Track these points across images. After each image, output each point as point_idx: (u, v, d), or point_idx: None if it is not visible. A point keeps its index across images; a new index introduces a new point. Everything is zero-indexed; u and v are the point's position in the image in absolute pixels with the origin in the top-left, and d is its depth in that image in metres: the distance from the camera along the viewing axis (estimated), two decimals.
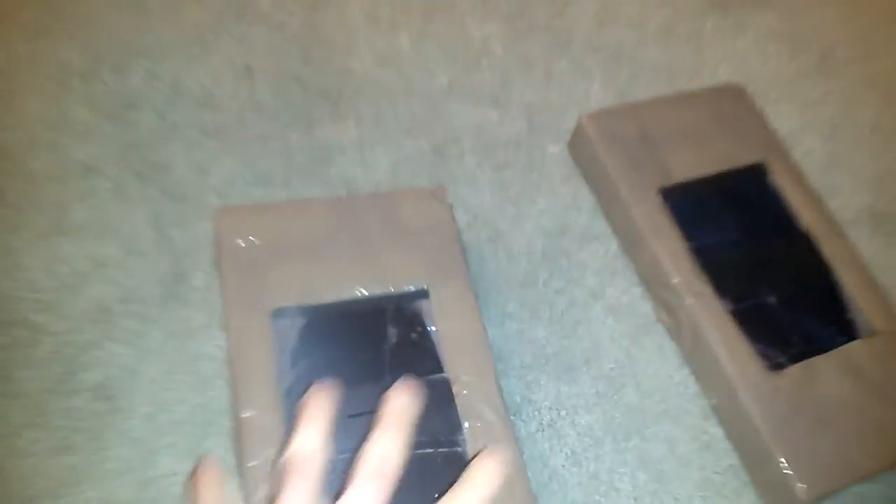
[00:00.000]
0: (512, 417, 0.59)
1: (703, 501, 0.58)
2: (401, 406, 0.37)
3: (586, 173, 0.71)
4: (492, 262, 0.66)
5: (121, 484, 0.53)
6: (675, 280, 0.62)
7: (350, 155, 0.69)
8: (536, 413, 0.60)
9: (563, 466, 0.58)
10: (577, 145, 0.72)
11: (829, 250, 0.65)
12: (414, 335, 0.56)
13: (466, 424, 0.52)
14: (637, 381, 0.62)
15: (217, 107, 0.70)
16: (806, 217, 0.67)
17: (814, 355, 0.60)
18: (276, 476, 0.34)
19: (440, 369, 0.55)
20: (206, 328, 0.59)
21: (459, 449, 0.51)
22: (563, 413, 0.60)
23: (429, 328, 0.56)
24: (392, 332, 0.56)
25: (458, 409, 0.53)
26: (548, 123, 0.74)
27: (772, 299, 0.62)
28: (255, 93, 0.71)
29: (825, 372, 0.59)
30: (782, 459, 0.55)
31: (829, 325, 0.62)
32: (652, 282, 0.65)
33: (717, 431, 0.61)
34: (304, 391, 0.49)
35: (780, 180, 0.69)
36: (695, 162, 0.69)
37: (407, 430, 0.36)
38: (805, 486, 0.54)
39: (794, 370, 0.59)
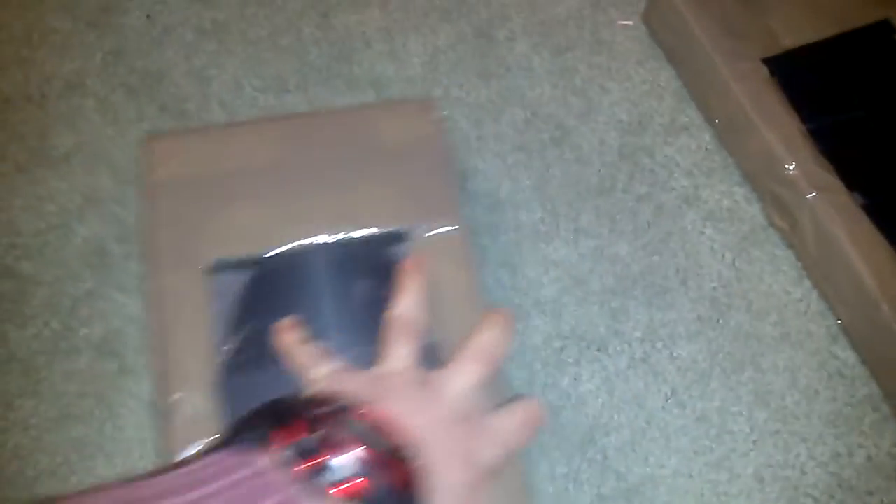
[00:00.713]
0: (597, 352, 0.48)
1: (836, 440, 0.47)
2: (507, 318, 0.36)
3: (669, 49, 0.58)
4: (557, 166, 0.54)
5: (138, 456, 0.45)
6: (792, 169, 0.49)
7: (376, 47, 0.57)
8: (626, 346, 0.49)
9: (664, 408, 0.48)
10: (656, 15, 0.58)
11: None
12: (387, 291, 0.41)
13: None
14: (747, 300, 0.51)
15: (214, 1, 0.58)
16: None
17: None
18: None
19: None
20: None
21: None
22: (658, 345, 0.49)
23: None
24: (360, 288, 0.42)
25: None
26: None
27: None
28: None
29: None
30: None
31: None
32: (761, 176, 0.53)
33: (848, 356, 0.50)
34: (248, 365, 0.39)
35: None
36: (806, 23, 0.55)
37: (513, 331, 0.36)
38: None
39: None
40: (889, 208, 0.49)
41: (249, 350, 0.40)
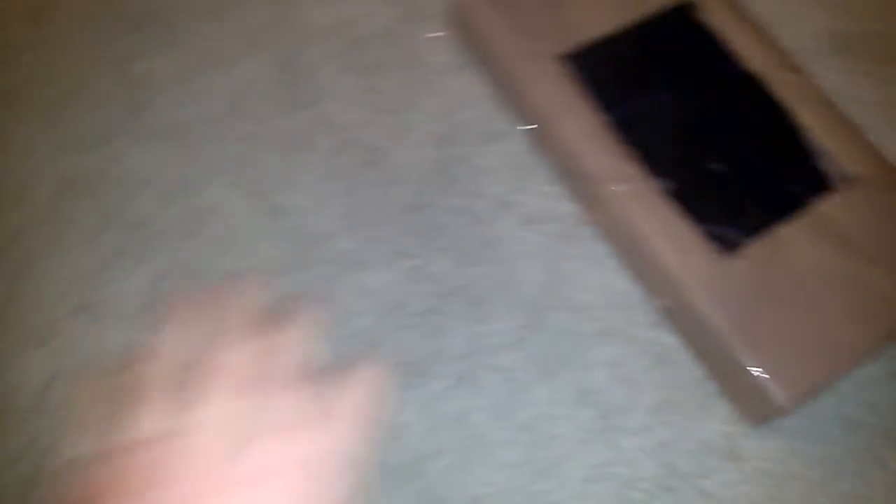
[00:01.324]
0: (417, 378, 0.48)
1: (666, 428, 0.48)
2: None
3: (476, 58, 0.58)
4: (372, 190, 0.54)
5: None
6: (592, 165, 0.49)
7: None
8: (446, 367, 0.49)
9: (487, 422, 0.48)
10: (460, 24, 0.58)
11: (784, 90, 0.52)
12: None
13: None
14: (568, 299, 0.51)
15: None
16: (750, 56, 0.53)
17: (777, 223, 0.48)
18: None
19: None
20: None
21: None
22: (479, 358, 0.49)
23: None
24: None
25: None
26: (423, 5, 0.60)
27: (719, 166, 0.50)
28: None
29: (794, 240, 0.47)
30: (753, 365, 0.44)
31: (793, 180, 0.49)
32: (570, 174, 0.53)
33: (670, 341, 0.50)
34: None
35: (714, 17, 0.55)
36: (606, 14, 0.55)
37: None
38: (784, 392, 0.44)
39: (755, 247, 0.47)
40: (695, 189, 0.49)
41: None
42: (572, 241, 0.52)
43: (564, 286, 0.51)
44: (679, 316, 0.50)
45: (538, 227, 0.53)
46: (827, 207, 0.48)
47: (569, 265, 0.52)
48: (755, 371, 0.45)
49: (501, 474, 0.46)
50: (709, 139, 0.51)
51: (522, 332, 0.50)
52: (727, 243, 0.47)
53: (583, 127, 0.51)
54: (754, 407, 0.47)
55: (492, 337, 0.50)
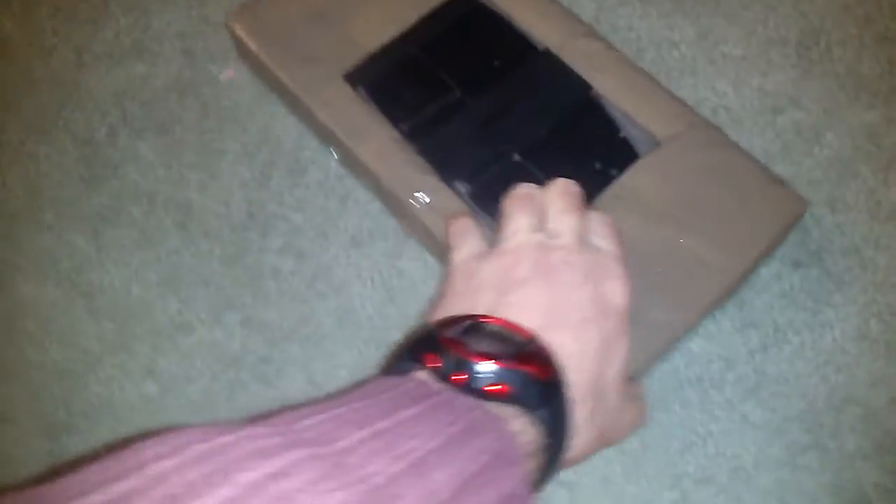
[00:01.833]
0: None
1: None
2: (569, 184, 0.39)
3: (268, 86, 0.56)
4: (186, 250, 0.52)
5: None
6: (390, 181, 0.48)
7: None
8: None
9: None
10: (245, 58, 0.56)
11: (582, 62, 0.50)
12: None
13: None
14: (405, 317, 0.50)
15: None
16: (542, 32, 0.51)
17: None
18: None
19: None
20: None
21: None
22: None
23: None
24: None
25: None
26: (210, 46, 0.58)
27: (517, 156, 0.48)
28: None
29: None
30: None
31: (600, 156, 0.48)
32: (376, 191, 0.51)
33: None
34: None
35: None
36: (384, 21, 0.53)
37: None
38: None
39: None
40: (493, 185, 0.47)
41: None
42: (402, 257, 0.51)
43: (403, 303, 0.50)
44: None
45: (366, 250, 0.51)
46: (630, 178, 0.46)
47: (404, 282, 0.50)
48: None
49: None
50: (508, 130, 0.49)
51: (364, 360, 0.49)
52: None
53: (376, 144, 0.49)
54: None
55: (331, 372, 0.48)
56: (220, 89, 0.57)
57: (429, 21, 0.53)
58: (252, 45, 0.52)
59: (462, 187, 0.48)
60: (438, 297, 0.37)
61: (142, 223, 0.53)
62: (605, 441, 0.35)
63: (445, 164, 0.48)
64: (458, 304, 0.34)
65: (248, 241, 0.52)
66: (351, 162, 0.51)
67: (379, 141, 0.49)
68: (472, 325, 0.32)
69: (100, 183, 0.54)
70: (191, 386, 0.49)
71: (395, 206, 0.50)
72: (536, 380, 0.30)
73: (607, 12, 0.57)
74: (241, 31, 0.53)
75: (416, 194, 0.47)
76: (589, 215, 0.38)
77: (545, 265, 0.34)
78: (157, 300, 0.51)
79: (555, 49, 0.51)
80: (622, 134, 0.49)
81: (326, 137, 0.52)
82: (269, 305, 0.50)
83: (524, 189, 0.38)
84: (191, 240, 0.52)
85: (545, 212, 0.37)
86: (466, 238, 0.38)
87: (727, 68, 0.54)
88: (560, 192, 0.37)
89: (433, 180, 0.48)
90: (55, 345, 0.50)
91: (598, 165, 0.48)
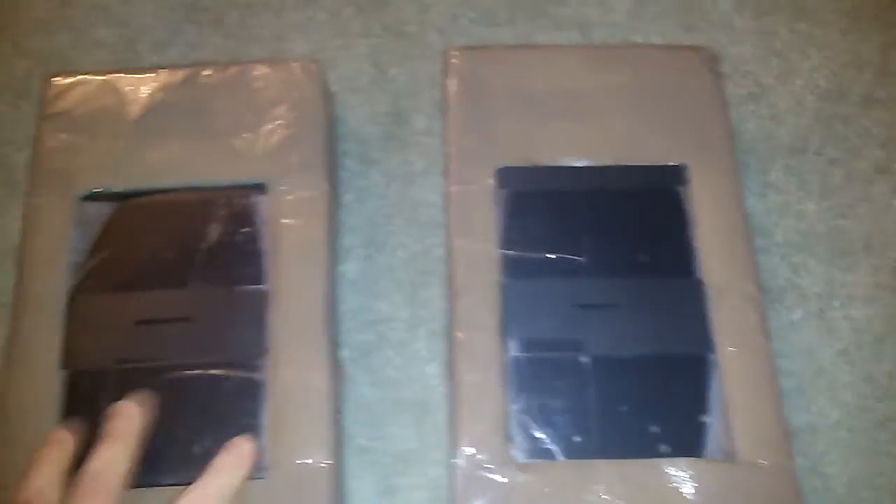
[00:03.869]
0: (774, 304, 0.50)
1: None
2: (126, 419, 0.39)
3: (872, 20, 0.58)
4: (751, 121, 0.56)
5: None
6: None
7: None
8: (802, 300, 0.51)
9: (834, 364, 0.49)
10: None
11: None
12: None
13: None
14: None
15: None
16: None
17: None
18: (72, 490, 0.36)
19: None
20: (427, 173, 0.54)
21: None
22: (835, 303, 0.50)
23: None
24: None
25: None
26: None
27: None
28: None
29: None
30: None
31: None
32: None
33: None
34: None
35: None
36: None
37: (132, 442, 0.39)
38: None
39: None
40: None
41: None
42: None
43: None
44: None
45: None
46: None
47: None
48: None
49: (838, 412, 0.47)
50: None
51: (880, 293, 0.50)
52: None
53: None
54: None
55: (850, 287, 0.51)
56: (820, 3, 0.59)
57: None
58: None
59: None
60: None
61: None
62: None
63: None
64: None
65: (807, 142, 0.55)
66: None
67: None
68: None
69: (692, 31, 0.59)
70: None
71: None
72: None
73: None
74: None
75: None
76: None
77: None
78: None
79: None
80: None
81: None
82: (809, 202, 0.53)
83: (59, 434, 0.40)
84: (758, 114, 0.56)
85: None
86: None
87: None
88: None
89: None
90: None
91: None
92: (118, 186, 0.49)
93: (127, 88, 0.52)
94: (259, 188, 0.49)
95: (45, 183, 0.49)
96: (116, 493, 0.37)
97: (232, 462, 0.39)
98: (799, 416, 0.47)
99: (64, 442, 0.40)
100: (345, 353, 0.49)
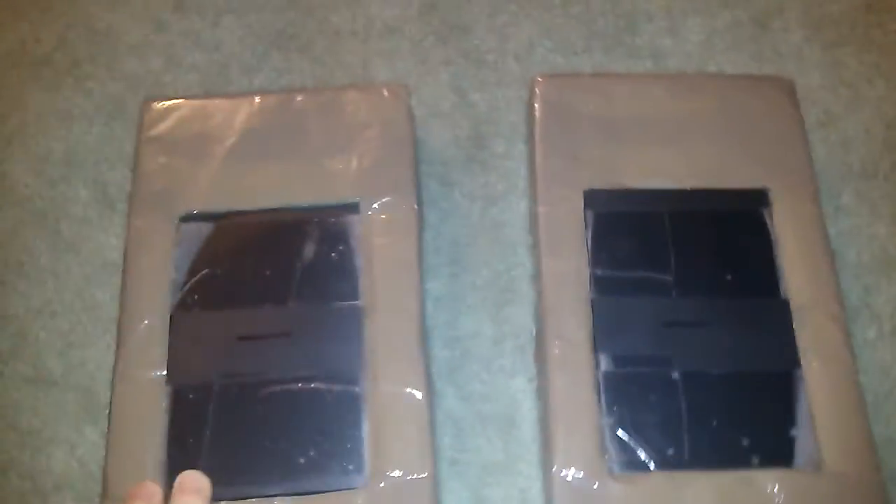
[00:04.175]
0: (849, 323, 0.51)
1: None
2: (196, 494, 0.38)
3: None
4: (821, 147, 0.57)
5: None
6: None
7: (658, 23, 0.62)
8: (876, 319, 0.52)
9: None
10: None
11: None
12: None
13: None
14: None
15: None
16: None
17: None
18: None
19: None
20: (508, 195, 0.57)
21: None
22: None
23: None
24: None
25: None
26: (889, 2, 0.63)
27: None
28: None
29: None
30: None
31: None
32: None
33: None
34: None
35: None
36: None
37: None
38: None
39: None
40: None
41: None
42: None
43: None
44: None
45: None
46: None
47: None
48: None
49: None
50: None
51: None
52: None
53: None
54: None
55: None
56: (888, 36, 0.62)
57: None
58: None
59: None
60: None
61: None
62: None
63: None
64: None
65: (877, 167, 0.57)
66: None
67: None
68: None
69: (762, 62, 0.61)
70: None
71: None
72: None
73: None
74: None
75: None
76: None
77: None
78: None
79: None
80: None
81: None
82: (880, 225, 0.55)
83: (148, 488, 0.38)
84: (827, 141, 0.58)
85: None
86: None
87: None
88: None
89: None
90: None
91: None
92: (216, 207, 0.51)
93: (222, 112, 0.54)
94: (352, 208, 0.51)
95: (146, 204, 0.51)
96: None
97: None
98: (876, 430, 0.48)
99: (153, 496, 0.41)
100: (433, 369, 0.51)
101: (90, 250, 0.56)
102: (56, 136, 0.60)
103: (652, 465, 0.44)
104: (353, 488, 0.44)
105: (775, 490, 0.43)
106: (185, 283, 0.50)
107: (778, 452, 0.45)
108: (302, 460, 0.45)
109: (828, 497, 0.43)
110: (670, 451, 0.45)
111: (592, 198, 0.50)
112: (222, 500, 0.42)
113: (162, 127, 0.53)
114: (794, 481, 0.43)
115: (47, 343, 0.53)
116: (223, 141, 0.53)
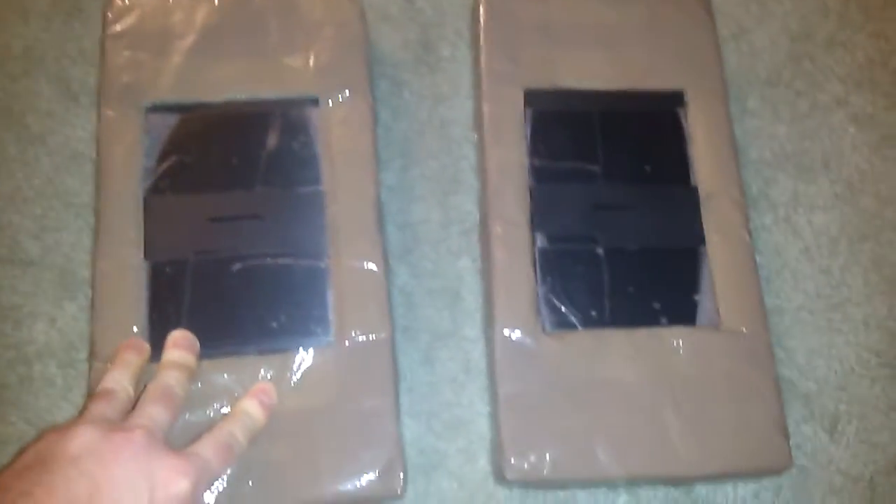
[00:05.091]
0: (749, 210, 0.59)
1: None
2: (187, 350, 0.46)
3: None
4: (733, 56, 0.64)
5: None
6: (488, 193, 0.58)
7: None
8: (772, 208, 0.60)
9: (797, 259, 0.59)
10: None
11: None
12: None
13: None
14: (877, 188, 0.61)
15: None
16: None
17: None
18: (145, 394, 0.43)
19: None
20: (454, 95, 0.61)
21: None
22: (799, 210, 0.60)
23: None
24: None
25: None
26: None
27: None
28: None
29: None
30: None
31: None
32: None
33: None
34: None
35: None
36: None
37: (192, 370, 0.46)
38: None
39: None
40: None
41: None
42: (892, 147, 0.62)
43: (877, 178, 0.61)
44: None
45: (864, 128, 0.63)
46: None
47: (883, 164, 0.62)
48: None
49: (800, 297, 0.57)
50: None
51: (836, 201, 0.60)
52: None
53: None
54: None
55: (812, 197, 0.60)
56: None
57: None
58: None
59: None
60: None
61: None
62: None
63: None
64: None
65: (780, 76, 0.64)
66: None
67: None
68: None
69: None
70: None
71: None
72: None
73: None
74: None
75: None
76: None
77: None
78: None
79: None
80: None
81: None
82: (780, 126, 0.62)
83: (137, 342, 0.47)
84: (739, 51, 0.64)
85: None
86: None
87: None
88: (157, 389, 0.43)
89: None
90: None
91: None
92: (183, 99, 0.55)
93: (183, 10, 0.57)
94: (312, 102, 0.55)
95: (114, 96, 0.54)
96: (179, 404, 0.43)
97: (256, 403, 0.45)
98: (768, 300, 0.57)
99: (141, 350, 0.46)
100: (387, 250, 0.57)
101: (57, 142, 0.58)
102: (14, 32, 0.61)
103: (579, 325, 0.52)
104: (320, 347, 0.49)
105: (680, 343, 0.51)
106: (156, 170, 0.53)
107: (684, 314, 0.53)
108: (274, 324, 0.50)
109: (724, 350, 0.51)
110: (594, 313, 0.52)
111: (532, 97, 0.56)
112: (205, 360, 0.48)
113: (126, 22, 0.56)
114: (695, 337, 0.51)
115: (21, 226, 0.56)
116: (185, 36, 0.56)
